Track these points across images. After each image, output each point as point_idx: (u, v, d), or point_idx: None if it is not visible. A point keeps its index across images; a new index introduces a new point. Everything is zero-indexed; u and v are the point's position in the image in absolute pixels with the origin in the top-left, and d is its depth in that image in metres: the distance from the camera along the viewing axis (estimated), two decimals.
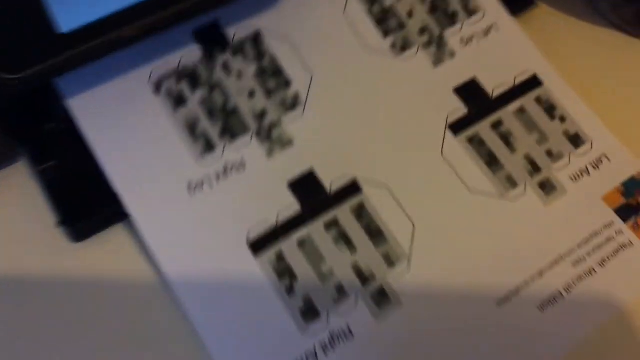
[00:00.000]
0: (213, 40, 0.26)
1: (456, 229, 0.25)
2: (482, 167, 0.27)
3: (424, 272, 0.25)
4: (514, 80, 0.29)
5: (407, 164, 0.26)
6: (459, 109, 0.28)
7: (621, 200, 0.26)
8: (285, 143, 0.26)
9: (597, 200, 0.27)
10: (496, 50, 0.29)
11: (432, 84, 0.28)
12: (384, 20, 0.29)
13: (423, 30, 0.29)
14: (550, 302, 0.24)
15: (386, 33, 0.29)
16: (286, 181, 0.25)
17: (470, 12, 0.30)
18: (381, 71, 0.28)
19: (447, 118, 0.27)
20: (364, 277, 0.24)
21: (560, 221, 0.26)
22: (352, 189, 0.25)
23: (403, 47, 0.28)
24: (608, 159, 0.27)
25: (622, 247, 0.26)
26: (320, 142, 0.26)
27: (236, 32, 0.27)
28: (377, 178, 0.26)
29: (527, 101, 0.28)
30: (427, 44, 0.29)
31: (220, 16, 0.27)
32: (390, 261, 0.25)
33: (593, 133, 0.28)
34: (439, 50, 0.29)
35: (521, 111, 0.28)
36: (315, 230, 0.24)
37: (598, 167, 0.27)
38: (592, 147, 0.28)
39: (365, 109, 0.27)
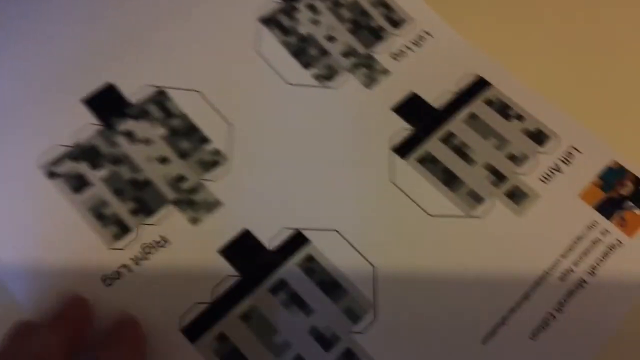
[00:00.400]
0: (109, 107, 0.25)
1: (423, 261, 0.24)
2: (439, 187, 0.25)
3: (394, 319, 0.23)
4: (458, 86, 0.27)
5: (354, 201, 0.25)
6: (403, 129, 0.26)
7: (601, 195, 0.25)
8: (212, 205, 0.24)
9: (574, 199, 0.25)
10: (432, 59, 0.28)
11: (368, 108, 0.27)
12: (303, 50, 0.28)
13: (347, 53, 0.28)
14: (542, 327, 0.22)
15: (307, 64, 0.27)
16: (218, 248, 0.23)
17: (396, 23, 0.29)
18: (309, 106, 0.27)
19: (390, 141, 0.26)
20: (325, 341, 0.22)
21: (538, 231, 0.24)
22: (297, 241, 0.24)
23: (328, 75, 0.27)
24: (578, 151, 0.26)
25: (611, 248, 0.24)
26: (251, 196, 0.25)
27: (135, 93, 0.26)
28: (322, 223, 0.24)
29: (477, 106, 0.27)
30: (355, 67, 0.27)
31: (114, 77, 0.26)
32: (354, 315, 0.23)
33: (556, 125, 0.26)
34: (370, 70, 0.28)
35: (472, 117, 0.27)
36: (261, 298, 0.23)
37: (569, 161, 0.26)
38: (559, 142, 0.26)
39: (297, 150, 0.26)
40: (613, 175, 0.25)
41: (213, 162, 0.25)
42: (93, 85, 0.25)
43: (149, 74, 0.26)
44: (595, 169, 0.25)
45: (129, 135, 0.25)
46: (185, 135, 0.25)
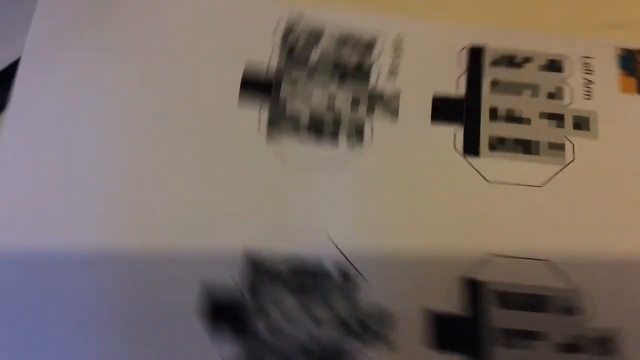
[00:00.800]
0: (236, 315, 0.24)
1: (573, 226, 0.26)
2: (526, 158, 0.27)
3: (600, 293, 0.25)
4: (462, 66, 0.28)
5: (489, 217, 0.26)
6: (454, 132, 0.27)
7: (633, 80, 0.28)
8: (382, 316, 0.24)
9: (621, 96, 0.28)
10: (422, 55, 0.29)
11: (412, 136, 0.27)
12: (320, 131, 0.27)
13: (355, 104, 0.28)
14: None
15: (333, 139, 0.27)
16: (426, 345, 0.23)
17: (369, 45, 0.29)
18: (367, 172, 0.27)
19: (456, 149, 0.27)
20: (574, 347, 0.24)
21: (621, 138, 0.27)
22: (475, 288, 0.24)
23: (357, 134, 0.27)
24: (591, 57, 0.29)
25: None
26: (398, 284, 0.25)
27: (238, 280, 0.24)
28: (477, 257, 0.25)
29: (490, 72, 0.29)
30: (371, 110, 0.27)
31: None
32: (570, 310, 0.24)
33: (559, 48, 0.29)
34: (383, 103, 0.28)
35: (495, 85, 0.28)
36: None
37: (592, 70, 0.28)
38: (571, 60, 0.29)
39: (396, 217, 0.26)
40: (628, 61, 0.29)
41: (348, 282, 0.24)
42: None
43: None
44: (612, 63, 0.29)
45: (274, 302, 0.23)
46: (303, 276, 0.24)
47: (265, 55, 0.28)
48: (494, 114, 0.28)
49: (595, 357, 0.24)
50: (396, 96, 0.28)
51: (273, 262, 0.24)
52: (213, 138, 0.27)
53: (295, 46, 0.28)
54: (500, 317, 0.24)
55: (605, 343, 0.24)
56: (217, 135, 0.27)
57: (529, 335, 0.24)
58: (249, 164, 0.26)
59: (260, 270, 0.24)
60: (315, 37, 0.29)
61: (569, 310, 0.24)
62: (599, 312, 0.24)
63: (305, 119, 0.27)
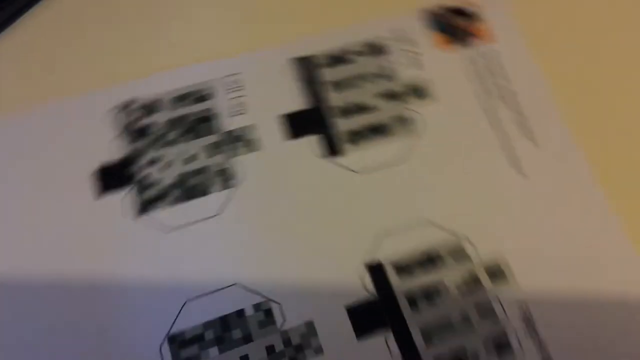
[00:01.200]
0: None
1: (440, 183, 0.29)
2: (384, 142, 0.30)
3: (487, 236, 0.28)
4: (299, 80, 0.31)
5: (360, 208, 0.28)
6: (314, 141, 0.30)
7: (448, 38, 0.32)
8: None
9: (440, 55, 0.31)
10: (259, 82, 0.31)
11: (276, 157, 0.29)
12: (191, 188, 0.29)
13: (214, 150, 0.30)
14: None
15: (205, 192, 0.29)
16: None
17: (206, 93, 0.31)
18: (255, 199, 0.29)
19: (320, 156, 0.29)
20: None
21: (457, 95, 0.30)
22: (375, 270, 0.26)
23: (226, 173, 0.29)
24: (403, 30, 0.32)
25: (498, 62, 0.31)
26: (313, 293, 0.26)
27: None
28: (368, 240, 0.27)
29: (327, 74, 0.31)
30: (232, 148, 0.30)
31: None
32: (458, 256, 0.27)
33: (369, 32, 0.32)
34: (241, 138, 0.30)
35: (336, 85, 0.31)
36: (419, 319, 0.26)
37: (403, 38, 0.32)
38: (386, 39, 0.32)
39: (290, 233, 0.28)
40: (436, 24, 0.32)
41: (259, 311, 0.26)
42: None
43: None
44: (421, 27, 0.32)
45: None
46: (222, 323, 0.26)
47: (110, 142, 0.30)
48: (345, 112, 0.30)
49: (492, 287, 0.26)
50: (249, 128, 0.30)
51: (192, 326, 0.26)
52: (74, 231, 0.28)
53: (135, 122, 0.30)
54: (405, 285, 0.27)
55: (497, 273, 0.27)
56: (78, 227, 0.28)
57: (434, 292, 0.26)
58: (121, 241, 0.28)
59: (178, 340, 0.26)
60: (151, 106, 0.31)
61: (458, 255, 0.27)
62: (481, 249, 0.27)
63: (170, 184, 0.29)
